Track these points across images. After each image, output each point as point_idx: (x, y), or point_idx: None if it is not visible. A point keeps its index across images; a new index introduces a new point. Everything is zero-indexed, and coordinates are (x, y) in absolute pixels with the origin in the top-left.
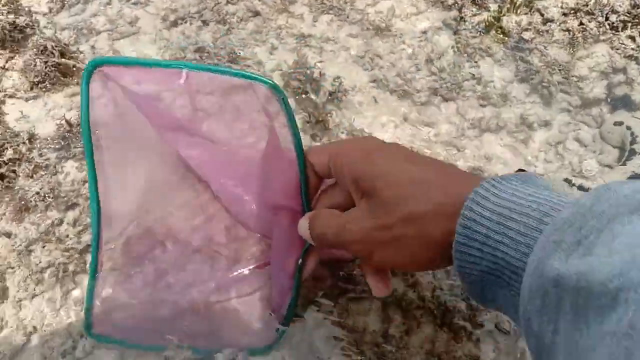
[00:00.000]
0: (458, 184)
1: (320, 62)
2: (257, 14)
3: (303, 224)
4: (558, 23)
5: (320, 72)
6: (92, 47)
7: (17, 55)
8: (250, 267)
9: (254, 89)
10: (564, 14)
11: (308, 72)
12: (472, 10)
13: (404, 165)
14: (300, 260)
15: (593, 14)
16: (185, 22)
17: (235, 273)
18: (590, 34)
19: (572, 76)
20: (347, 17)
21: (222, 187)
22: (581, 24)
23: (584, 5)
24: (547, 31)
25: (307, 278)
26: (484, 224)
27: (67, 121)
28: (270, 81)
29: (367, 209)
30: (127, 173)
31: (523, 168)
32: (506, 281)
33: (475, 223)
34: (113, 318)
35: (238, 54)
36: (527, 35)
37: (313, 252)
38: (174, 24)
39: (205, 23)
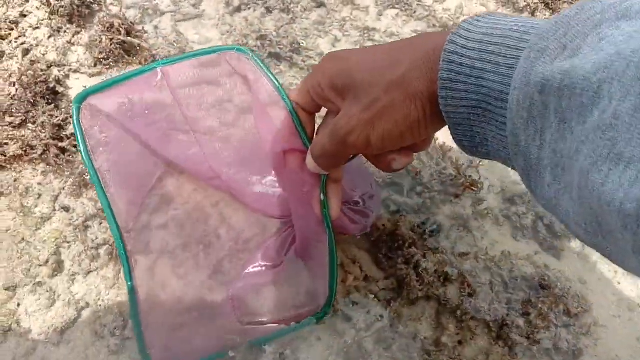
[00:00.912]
0: (428, 40)
1: None
2: (321, 4)
3: (307, 158)
4: None
5: None
6: (156, 27)
7: (83, 31)
8: (282, 248)
9: (226, 59)
10: None
11: None
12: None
13: (372, 49)
14: (322, 196)
15: None
16: (249, 9)
17: (264, 260)
18: None
19: None
20: (414, 12)
21: (227, 176)
22: None
23: None
24: None
25: (337, 217)
26: (467, 54)
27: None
28: (235, 46)
29: (351, 101)
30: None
31: None
32: (492, 113)
33: (458, 56)
34: (166, 336)
35: (300, 43)
36: None
37: (332, 187)
38: (238, 9)
39: (268, 10)
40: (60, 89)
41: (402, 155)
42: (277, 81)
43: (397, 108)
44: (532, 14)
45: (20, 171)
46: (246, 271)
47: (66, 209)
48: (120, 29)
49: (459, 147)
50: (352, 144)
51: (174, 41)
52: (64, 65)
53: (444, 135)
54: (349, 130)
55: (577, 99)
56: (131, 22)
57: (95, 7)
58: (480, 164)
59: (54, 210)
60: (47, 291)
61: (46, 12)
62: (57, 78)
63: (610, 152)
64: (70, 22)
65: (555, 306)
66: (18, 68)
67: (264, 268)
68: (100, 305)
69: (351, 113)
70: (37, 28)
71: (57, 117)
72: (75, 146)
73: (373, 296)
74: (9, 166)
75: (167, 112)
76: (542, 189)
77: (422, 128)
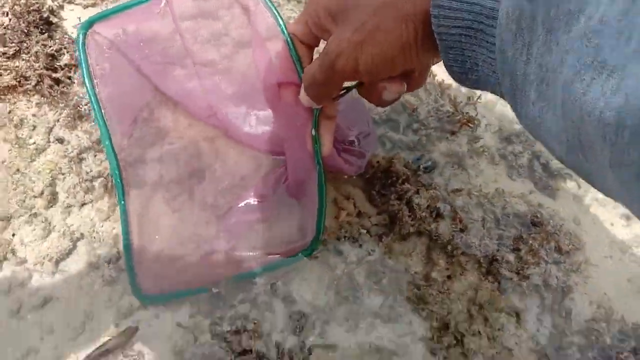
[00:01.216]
0: None
1: None
2: None
3: (301, 92)
4: None
5: None
6: None
7: None
8: (275, 185)
9: None
10: None
11: None
12: None
13: None
14: (313, 131)
15: None
16: None
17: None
18: None
19: None
20: None
21: (224, 113)
22: None
23: None
24: None
25: (328, 154)
26: None
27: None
28: None
29: (342, 25)
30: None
31: None
32: (484, 33)
33: None
34: (158, 267)
35: None
36: None
37: (325, 123)
38: None
39: None
40: (54, 20)
41: (393, 83)
42: (278, 12)
43: (388, 29)
44: None
45: (15, 102)
46: (239, 205)
47: (61, 140)
48: None
49: (449, 73)
50: (340, 69)
51: None
52: None
53: (442, 72)
54: (338, 53)
55: (565, 5)
56: None
57: None
58: (478, 101)
59: (49, 141)
60: (42, 222)
61: None
62: (50, 8)
63: (594, 60)
64: None
65: (547, 242)
66: None
67: (257, 203)
68: (94, 237)
69: (341, 36)
70: None
71: (50, 47)
72: (69, 77)
73: (365, 231)
74: (3, 97)
75: (162, 45)
76: (527, 107)
77: (413, 51)
